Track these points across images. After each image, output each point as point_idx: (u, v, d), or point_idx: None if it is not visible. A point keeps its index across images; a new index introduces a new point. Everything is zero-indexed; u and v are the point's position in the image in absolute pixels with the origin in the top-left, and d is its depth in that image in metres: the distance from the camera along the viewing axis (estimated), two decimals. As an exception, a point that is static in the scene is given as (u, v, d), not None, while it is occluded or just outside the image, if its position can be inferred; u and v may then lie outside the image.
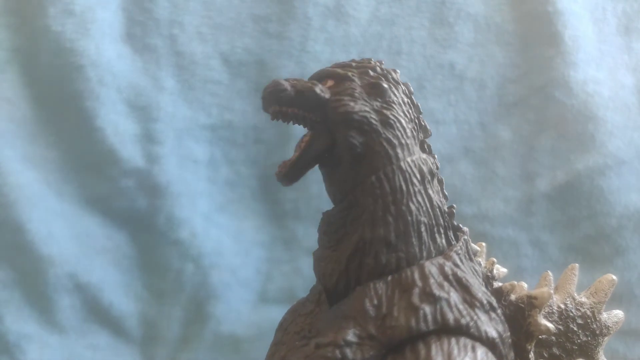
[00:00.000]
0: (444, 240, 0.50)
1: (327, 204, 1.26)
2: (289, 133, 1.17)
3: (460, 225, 0.54)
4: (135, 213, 1.13)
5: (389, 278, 0.47)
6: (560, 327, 0.56)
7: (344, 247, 0.50)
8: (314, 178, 1.26)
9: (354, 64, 0.57)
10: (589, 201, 1.13)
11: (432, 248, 0.49)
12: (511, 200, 1.16)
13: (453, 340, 0.44)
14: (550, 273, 0.60)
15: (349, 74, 0.55)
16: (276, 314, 1.17)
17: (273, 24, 1.18)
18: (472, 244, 0.54)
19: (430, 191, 0.51)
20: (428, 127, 0.56)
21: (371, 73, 0.55)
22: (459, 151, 1.18)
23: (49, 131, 1.13)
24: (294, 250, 1.14)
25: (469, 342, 0.44)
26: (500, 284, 0.55)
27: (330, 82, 0.55)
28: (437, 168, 0.54)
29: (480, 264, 0.54)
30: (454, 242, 0.51)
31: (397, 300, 0.46)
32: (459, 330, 0.45)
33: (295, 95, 0.54)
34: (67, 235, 1.11)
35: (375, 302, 0.46)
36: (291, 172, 0.58)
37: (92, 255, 1.11)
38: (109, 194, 1.13)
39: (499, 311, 0.48)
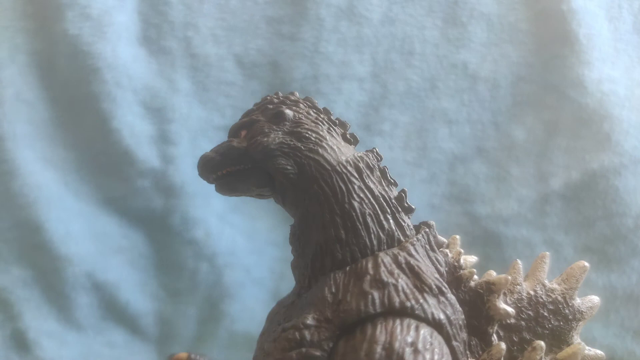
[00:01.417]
0: (392, 225, 0.55)
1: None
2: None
3: (429, 220, 0.59)
4: (151, 213, 1.15)
5: (348, 268, 0.53)
6: (530, 312, 0.59)
7: (307, 253, 0.56)
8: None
9: (254, 107, 0.62)
10: (605, 201, 1.12)
11: (381, 234, 0.54)
12: (525, 200, 1.16)
13: (398, 321, 0.48)
14: (519, 262, 0.62)
15: (253, 116, 0.61)
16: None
17: (286, 26, 1.19)
18: (440, 237, 0.58)
19: (370, 184, 0.56)
20: (343, 120, 0.62)
21: (270, 106, 0.61)
22: (473, 151, 1.18)
23: (66, 133, 1.15)
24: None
25: (413, 323, 0.48)
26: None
27: (243, 132, 0.60)
28: (379, 159, 0.59)
29: (447, 255, 0.58)
30: (406, 223, 0.56)
31: (352, 287, 0.50)
32: (404, 312, 0.48)
33: (221, 158, 0.60)
34: (85, 234, 1.13)
35: (333, 290, 0.51)
36: (225, 190, 0.62)
37: (109, 255, 1.13)
38: (125, 194, 1.14)
39: (448, 295, 0.51)
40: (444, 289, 0.51)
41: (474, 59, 1.19)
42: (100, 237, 1.13)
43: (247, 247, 1.16)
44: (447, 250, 0.59)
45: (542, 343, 0.53)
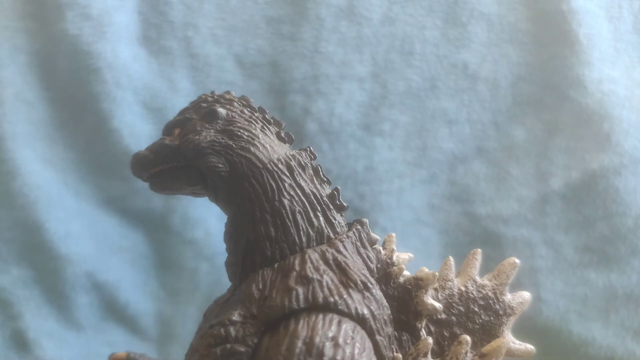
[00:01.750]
0: (322, 222, 0.56)
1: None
2: (303, 134, 1.17)
3: (362, 218, 0.60)
4: (150, 213, 1.15)
5: (276, 265, 0.54)
6: (461, 308, 0.60)
7: (238, 250, 0.57)
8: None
9: (189, 105, 0.63)
10: (605, 201, 1.12)
11: (310, 232, 0.55)
12: (525, 200, 1.16)
13: (320, 316, 0.49)
14: (451, 258, 0.64)
15: (187, 115, 0.61)
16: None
17: (286, 26, 1.19)
18: (373, 234, 0.59)
19: (301, 182, 0.57)
20: (278, 119, 0.63)
21: (204, 105, 0.61)
22: (473, 151, 1.18)
23: (66, 133, 1.15)
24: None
25: (336, 318, 0.49)
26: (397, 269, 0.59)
27: (177, 131, 0.61)
28: (312, 157, 0.60)
29: (380, 252, 0.59)
30: (337, 220, 0.57)
31: (278, 283, 0.51)
32: (328, 307, 0.50)
33: (154, 156, 0.60)
34: (85, 234, 1.13)
35: (260, 286, 0.52)
36: (158, 188, 0.63)
37: (109, 255, 1.13)
38: (125, 194, 1.15)
39: (374, 291, 0.52)
40: (369, 284, 0.52)
41: (474, 59, 1.19)
42: (100, 237, 1.13)
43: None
44: (380, 248, 0.60)
45: (467, 337, 0.54)
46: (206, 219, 1.16)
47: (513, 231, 1.15)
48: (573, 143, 1.15)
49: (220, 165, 0.58)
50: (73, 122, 1.15)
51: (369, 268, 0.56)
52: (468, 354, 0.53)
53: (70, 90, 1.15)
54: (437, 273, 0.56)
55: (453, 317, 0.60)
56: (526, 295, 0.64)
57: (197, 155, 0.58)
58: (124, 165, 1.14)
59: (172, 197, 1.15)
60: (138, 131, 1.14)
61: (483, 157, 1.18)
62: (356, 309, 0.50)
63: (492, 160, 1.18)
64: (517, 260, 0.64)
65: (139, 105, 1.16)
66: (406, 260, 0.64)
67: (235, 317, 0.50)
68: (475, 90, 1.19)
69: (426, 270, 0.58)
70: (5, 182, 1.10)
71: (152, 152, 0.60)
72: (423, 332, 0.55)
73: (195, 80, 1.18)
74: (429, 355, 0.53)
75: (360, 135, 1.18)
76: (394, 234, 0.65)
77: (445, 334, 0.59)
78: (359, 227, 0.58)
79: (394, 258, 0.61)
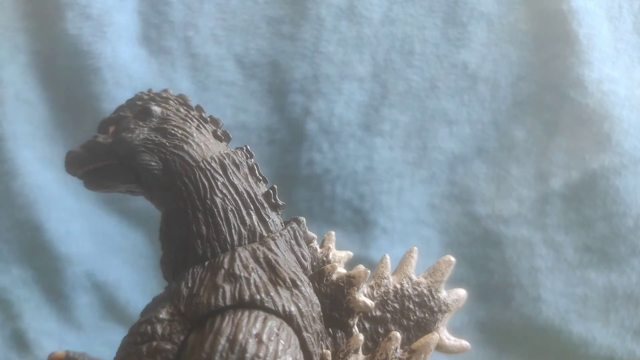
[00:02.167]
0: (255, 220, 0.56)
1: (340, 205, 1.27)
2: (303, 134, 1.17)
3: (298, 216, 0.60)
4: (150, 213, 1.14)
5: (207, 263, 0.54)
6: (396, 305, 0.62)
7: (171, 248, 0.56)
8: (327, 178, 1.27)
9: (125, 103, 0.63)
10: (605, 201, 1.12)
11: (242, 230, 0.55)
12: (525, 200, 1.16)
13: (246, 313, 0.50)
14: (387, 256, 0.65)
15: (121, 113, 0.62)
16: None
17: (286, 26, 1.19)
18: (310, 232, 0.60)
19: (235, 180, 0.57)
20: (216, 117, 0.63)
21: (139, 103, 0.61)
22: (473, 151, 1.18)
23: (66, 132, 1.15)
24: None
25: (262, 315, 0.50)
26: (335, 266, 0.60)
27: (112, 128, 0.61)
28: (249, 156, 0.61)
29: (316, 250, 0.60)
30: (271, 218, 0.57)
31: (206, 281, 0.52)
32: (254, 305, 0.50)
33: (87, 154, 0.60)
34: (85, 234, 1.13)
35: (190, 284, 0.52)
36: (92, 186, 0.63)
37: (109, 254, 1.13)
38: (125, 194, 1.14)
39: (303, 288, 0.53)
40: (298, 282, 0.53)
41: (474, 59, 1.19)
42: (100, 236, 1.13)
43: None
44: (317, 246, 0.61)
45: (397, 334, 0.54)
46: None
47: (513, 231, 1.15)
48: (573, 143, 1.15)
49: (153, 164, 0.58)
50: (73, 122, 1.15)
51: (302, 266, 0.56)
52: (398, 350, 0.54)
53: (70, 90, 1.15)
54: (368, 271, 0.57)
55: (388, 314, 0.61)
56: (462, 292, 0.65)
57: (129, 153, 0.58)
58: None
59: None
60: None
61: (483, 157, 1.18)
62: (283, 306, 0.51)
63: (492, 160, 1.18)
64: (452, 258, 0.66)
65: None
66: (344, 258, 0.65)
67: (163, 314, 0.51)
68: (475, 90, 1.19)
69: (362, 267, 0.58)
70: (5, 182, 1.10)
71: (86, 150, 0.61)
72: (355, 329, 0.56)
73: (195, 80, 1.18)
74: (360, 352, 0.54)
75: (360, 135, 1.18)
76: (333, 232, 0.66)
77: (380, 330, 0.60)
78: (294, 225, 0.58)
79: (330, 256, 0.62)
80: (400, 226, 1.17)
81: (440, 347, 0.63)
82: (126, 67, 1.14)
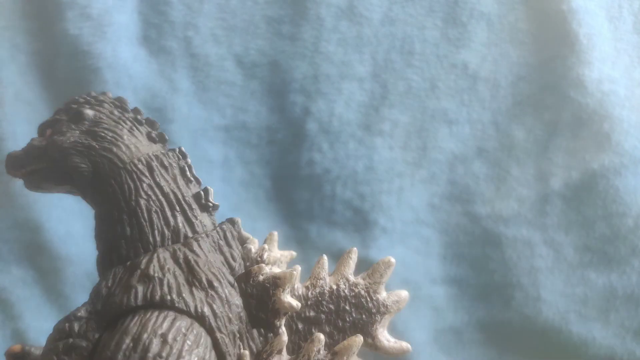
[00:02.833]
0: (180, 222, 0.57)
1: (340, 205, 1.28)
2: (303, 134, 1.17)
3: (234, 217, 0.61)
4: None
5: (128, 263, 0.55)
6: (331, 306, 0.62)
7: (101, 249, 0.58)
8: (327, 178, 1.27)
9: (63, 106, 0.64)
10: (605, 201, 1.12)
11: (166, 231, 0.57)
12: (525, 200, 1.16)
13: (156, 313, 0.51)
14: (324, 257, 0.65)
15: (57, 116, 0.63)
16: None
17: (286, 26, 1.19)
18: (245, 233, 0.61)
19: (162, 181, 0.58)
20: (152, 119, 0.65)
21: (74, 106, 0.63)
22: (473, 151, 1.18)
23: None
24: (307, 250, 1.15)
25: (171, 315, 0.51)
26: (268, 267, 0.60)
27: (49, 131, 0.63)
28: (180, 158, 0.62)
29: (250, 250, 0.60)
30: (199, 219, 0.58)
31: (123, 282, 0.53)
32: (164, 305, 0.51)
33: (24, 157, 0.62)
34: (85, 234, 1.13)
35: (110, 284, 0.54)
36: (32, 187, 0.65)
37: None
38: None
39: (219, 289, 0.54)
40: (215, 283, 0.54)
41: (474, 59, 1.19)
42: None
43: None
44: (251, 246, 0.61)
45: (321, 335, 0.54)
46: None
47: (513, 231, 1.15)
48: (573, 143, 1.15)
49: (83, 166, 0.59)
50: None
51: (230, 266, 0.57)
52: (321, 352, 0.54)
53: (70, 90, 1.14)
54: (295, 272, 0.56)
55: (322, 315, 0.62)
56: (403, 294, 0.65)
57: (60, 156, 0.60)
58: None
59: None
60: (138, 131, 1.14)
61: (483, 157, 1.18)
62: (196, 306, 0.52)
63: (492, 160, 1.18)
64: (392, 259, 0.66)
65: (139, 105, 1.15)
66: (285, 258, 0.65)
67: (82, 312, 0.52)
68: (475, 90, 1.19)
69: (299, 268, 0.59)
70: (5, 182, 1.10)
71: (24, 153, 0.63)
72: (283, 330, 0.56)
73: (195, 80, 1.18)
74: (284, 353, 0.54)
75: (360, 135, 1.18)
76: (275, 233, 0.67)
77: (314, 331, 0.60)
78: (224, 226, 0.59)
79: (265, 256, 0.62)
80: (400, 226, 1.17)
81: (380, 349, 0.62)
82: (126, 67, 1.14)
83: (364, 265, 1.21)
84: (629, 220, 1.11)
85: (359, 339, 0.55)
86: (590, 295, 1.10)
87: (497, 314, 1.13)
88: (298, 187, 1.18)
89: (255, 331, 0.56)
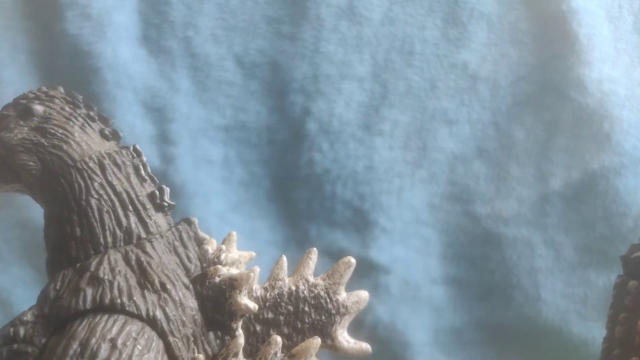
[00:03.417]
0: (133, 222, 0.56)
1: (340, 205, 1.28)
2: (303, 134, 1.17)
3: (190, 217, 0.60)
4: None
5: (78, 266, 0.53)
6: (290, 307, 0.61)
7: (50, 249, 0.56)
8: (327, 178, 1.28)
9: (12, 101, 0.63)
10: (605, 201, 1.12)
11: (118, 231, 0.55)
12: (525, 200, 1.16)
13: (106, 317, 0.49)
14: (284, 257, 0.65)
15: (4, 112, 0.61)
16: (290, 313, 1.17)
17: (286, 26, 1.19)
18: (202, 233, 0.60)
19: (114, 180, 0.56)
20: (106, 115, 0.62)
21: (23, 101, 0.61)
22: (473, 151, 1.18)
23: (67, 132, 1.15)
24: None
25: (121, 319, 0.49)
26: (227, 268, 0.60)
27: None
28: (135, 156, 0.60)
29: (207, 251, 0.59)
30: (153, 220, 0.57)
31: (72, 284, 0.51)
32: (114, 309, 0.50)
33: None
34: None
35: (58, 286, 0.52)
36: None
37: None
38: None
39: (173, 292, 0.52)
40: (168, 285, 0.52)
41: (474, 59, 1.19)
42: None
43: (247, 247, 1.16)
44: (208, 247, 0.60)
45: (278, 338, 0.53)
46: (206, 219, 1.15)
47: (513, 231, 1.15)
48: (573, 143, 1.15)
49: (31, 164, 0.57)
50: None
51: (186, 268, 0.56)
52: (279, 354, 0.53)
53: (70, 90, 1.15)
54: (252, 274, 0.56)
55: (281, 317, 0.61)
56: (363, 294, 0.64)
57: (7, 153, 0.58)
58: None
59: (172, 197, 1.14)
60: (138, 131, 1.14)
61: (483, 157, 1.18)
62: (147, 310, 0.50)
63: (492, 160, 1.18)
64: (352, 260, 0.65)
65: (139, 105, 1.16)
66: (245, 258, 0.65)
67: (28, 317, 0.52)
68: (475, 90, 1.19)
69: (257, 269, 0.58)
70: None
71: None
72: (240, 332, 0.55)
73: (195, 80, 1.18)
74: (240, 355, 0.53)
75: (360, 135, 1.18)
76: (234, 233, 0.66)
77: (272, 333, 0.59)
78: (180, 226, 0.58)
79: (223, 257, 0.61)
80: (400, 226, 1.17)
81: (339, 350, 0.62)
82: (126, 67, 1.14)
83: (364, 266, 1.21)
84: (629, 220, 1.11)
85: (316, 340, 0.54)
86: (590, 295, 1.10)
87: (497, 314, 1.13)
88: (298, 187, 1.18)
89: (211, 334, 0.55)
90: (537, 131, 1.17)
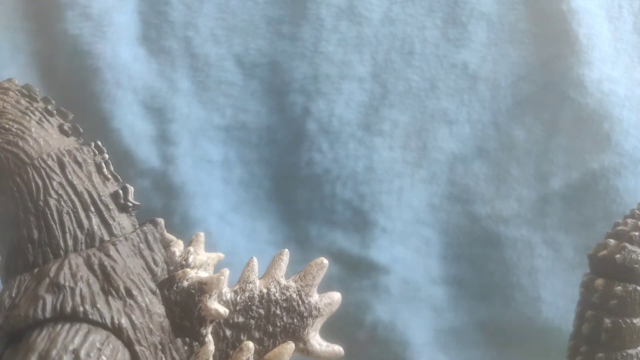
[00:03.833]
0: (95, 223, 0.52)
1: (340, 205, 1.28)
2: (303, 134, 1.17)
3: (157, 218, 0.57)
4: (151, 213, 1.14)
5: (35, 271, 0.49)
6: (261, 311, 0.59)
7: (4, 253, 0.53)
8: (327, 178, 1.28)
9: None
10: (605, 201, 1.12)
11: (79, 234, 0.51)
12: (525, 200, 1.16)
13: (67, 327, 0.46)
14: (254, 259, 0.62)
15: None
16: (290, 313, 1.17)
17: (286, 26, 1.19)
18: (169, 235, 0.57)
19: (74, 179, 0.53)
20: (65, 110, 0.59)
21: None
22: (473, 151, 1.18)
23: (67, 133, 1.15)
24: (307, 250, 1.15)
25: (84, 328, 0.46)
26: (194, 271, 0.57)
27: None
28: (96, 153, 0.56)
29: (174, 253, 0.57)
30: (117, 221, 0.54)
31: (29, 291, 0.48)
32: (76, 317, 0.46)
33: None
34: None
35: (14, 294, 0.48)
36: None
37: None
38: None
39: (139, 298, 0.49)
40: (134, 291, 0.49)
41: (474, 59, 1.19)
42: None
43: (247, 247, 1.16)
44: (175, 249, 0.58)
45: (250, 344, 0.52)
46: (206, 219, 1.15)
47: (513, 231, 1.15)
48: (573, 143, 1.16)
49: None
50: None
51: (152, 271, 0.53)
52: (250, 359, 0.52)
53: (70, 90, 1.15)
54: (222, 277, 0.53)
55: (252, 321, 0.58)
56: (335, 296, 0.63)
57: None
58: (124, 166, 1.14)
59: (172, 197, 1.15)
60: (138, 131, 1.14)
61: (483, 157, 1.18)
62: (112, 318, 0.47)
63: (492, 160, 1.18)
64: (325, 261, 0.63)
65: (139, 105, 1.16)
66: (213, 260, 0.63)
67: None
68: (475, 90, 1.19)
69: (227, 272, 0.56)
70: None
71: None
72: (209, 338, 0.53)
73: (195, 80, 1.18)
74: None
75: (360, 135, 1.18)
76: (202, 234, 0.64)
77: (243, 337, 0.57)
78: (145, 228, 0.55)
79: (191, 259, 0.59)
80: (400, 226, 1.17)
81: (312, 354, 0.60)
82: (126, 67, 1.14)
83: (364, 266, 1.21)
84: (629, 220, 1.11)
85: (290, 346, 0.52)
86: (590, 295, 1.10)
87: (497, 314, 1.13)
88: (298, 187, 1.18)
89: (179, 340, 0.52)
90: (537, 131, 1.17)
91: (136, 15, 1.17)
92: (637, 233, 0.69)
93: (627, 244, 0.68)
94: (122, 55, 1.14)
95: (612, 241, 0.70)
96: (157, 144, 1.15)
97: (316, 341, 0.61)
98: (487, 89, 1.19)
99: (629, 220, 0.71)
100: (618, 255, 0.68)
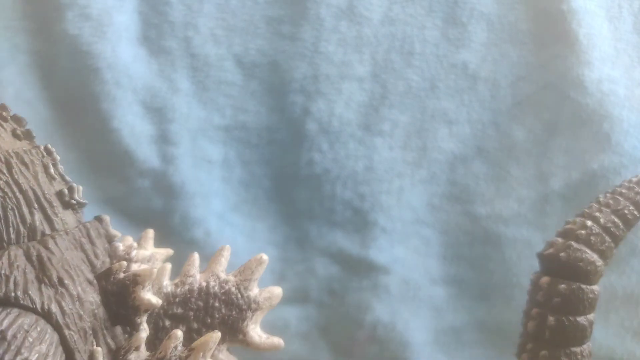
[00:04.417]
0: (38, 219, 0.56)
1: (340, 205, 1.29)
2: (303, 134, 1.17)
3: (103, 215, 0.61)
4: (150, 213, 1.15)
5: None
6: (200, 303, 0.63)
7: None
8: (327, 178, 1.28)
9: None
10: (605, 201, 1.12)
11: (21, 228, 0.55)
12: (525, 200, 1.16)
13: None
14: (196, 254, 0.66)
15: None
16: (289, 313, 1.18)
17: (286, 26, 1.19)
18: (113, 231, 0.61)
19: (21, 179, 0.56)
20: (20, 116, 0.63)
21: None
22: (472, 151, 1.18)
23: (66, 133, 1.16)
24: (307, 250, 1.15)
25: (15, 312, 0.50)
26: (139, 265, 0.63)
27: None
28: (44, 155, 0.60)
29: (118, 247, 0.61)
30: (59, 217, 0.57)
31: None
32: (8, 302, 0.50)
33: None
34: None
35: None
36: None
37: (109, 255, 1.13)
38: (125, 194, 1.15)
39: (70, 287, 0.53)
40: (67, 280, 0.53)
41: (474, 59, 1.19)
42: (100, 237, 1.13)
43: (247, 247, 1.16)
44: (119, 244, 0.61)
45: (178, 332, 0.55)
46: (206, 219, 1.16)
47: (513, 231, 1.15)
48: (573, 143, 1.16)
49: None
50: (73, 122, 1.15)
51: (92, 264, 0.57)
52: (179, 348, 0.54)
53: (70, 90, 1.15)
54: (155, 270, 0.57)
55: (190, 312, 0.62)
56: (276, 290, 0.66)
57: None
58: (124, 166, 1.15)
59: (172, 197, 1.15)
60: (138, 131, 1.14)
61: (483, 157, 1.18)
62: (42, 303, 0.51)
63: (492, 160, 1.18)
64: (264, 257, 0.67)
65: (139, 105, 1.16)
66: (161, 255, 0.66)
67: None
68: (475, 90, 1.19)
69: (168, 266, 0.60)
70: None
71: None
72: (144, 326, 0.57)
73: (195, 80, 1.18)
74: (142, 349, 0.55)
75: (360, 135, 1.18)
76: (151, 230, 0.68)
77: (182, 328, 0.61)
78: (89, 223, 0.59)
79: (133, 254, 0.63)
80: (400, 226, 1.17)
81: (251, 345, 0.64)
82: (126, 67, 1.14)
83: (364, 266, 1.21)
84: (629, 220, 1.11)
85: (215, 335, 0.55)
86: (590, 295, 1.10)
87: (497, 314, 1.13)
88: (298, 187, 1.18)
89: (119, 328, 0.57)
90: (537, 131, 1.17)
91: (136, 15, 1.17)
92: (583, 232, 0.69)
93: (572, 242, 0.69)
94: (122, 55, 1.14)
95: (559, 239, 0.71)
96: (157, 144, 1.16)
97: (256, 333, 0.64)
98: (487, 89, 1.19)
99: (578, 219, 0.72)
100: (563, 254, 0.69)
